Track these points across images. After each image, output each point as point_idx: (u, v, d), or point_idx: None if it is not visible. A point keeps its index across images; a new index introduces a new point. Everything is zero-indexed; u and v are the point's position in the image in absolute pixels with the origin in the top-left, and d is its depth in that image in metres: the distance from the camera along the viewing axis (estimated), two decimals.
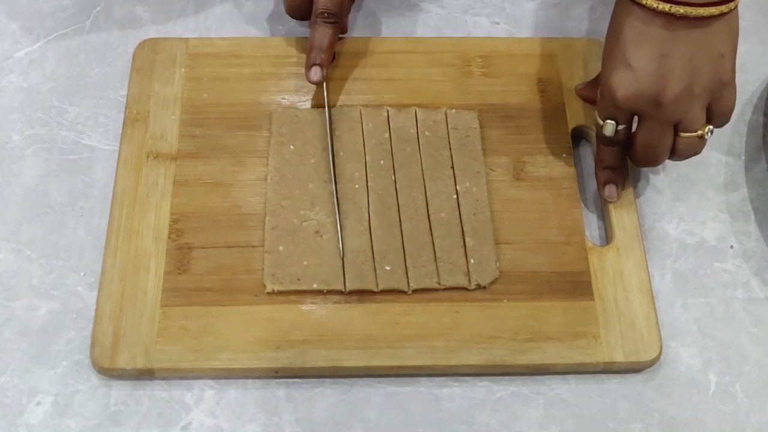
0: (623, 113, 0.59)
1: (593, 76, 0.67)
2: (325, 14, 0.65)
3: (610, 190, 0.63)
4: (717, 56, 0.56)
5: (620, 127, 0.60)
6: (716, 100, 0.58)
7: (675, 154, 0.60)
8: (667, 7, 0.55)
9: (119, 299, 0.58)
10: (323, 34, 0.65)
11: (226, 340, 0.57)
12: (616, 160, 0.63)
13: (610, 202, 0.63)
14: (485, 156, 0.65)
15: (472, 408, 0.57)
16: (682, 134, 0.58)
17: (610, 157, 0.63)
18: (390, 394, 0.58)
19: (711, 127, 0.58)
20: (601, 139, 0.62)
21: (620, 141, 0.61)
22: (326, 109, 0.66)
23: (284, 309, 0.59)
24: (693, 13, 0.55)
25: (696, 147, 0.60)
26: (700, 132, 0.58)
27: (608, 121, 0.60)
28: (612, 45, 0.59)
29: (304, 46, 0.69)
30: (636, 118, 0.59)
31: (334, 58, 0.68)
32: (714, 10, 0.55)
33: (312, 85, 0.67)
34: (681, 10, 0.55)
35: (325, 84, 0.66)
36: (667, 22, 0.56)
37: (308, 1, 0.66)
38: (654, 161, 0.61)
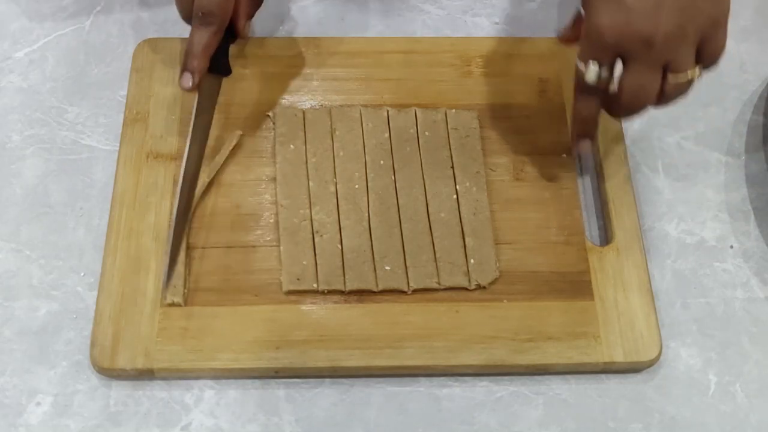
0: (609, 54, 0.55)
1: None
2: (200, 14, 0.59)
3: (584, 144, 0.61)
4: None
5: (603, 71, 0.56)
6: (707, 40, 0.54)
7: (662, 97, 0.56)
8: None
9: (119, 299, 0.58)
10: (199, 37, 0.59)
11: (226, 341, 0.57)
12: (593, 113, 0.59)
13: (583, 155, 0.60)
14: (485, 156, 0.65)
15: (472, 408, 0.57)
16: (671, 75, 0.55)
17: (587, 108, 0.59)
18: (390, 395, 0.58)
19: (701, 67, 0.55)
20: (581, 88, 0.58)
21: (599, 90, 0.57)
22: (192, 118, 0.60)
23: (284, 309, 0.59)
24: None
25: (684, 89, 0.56)
26: (690, 73, 0.55)
27: (591, 64, 0.56)
28: None
29: (306, 45, 0.70)
30: (619, 66, 0.56)
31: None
32: None
33: (311, 85, 0.67)
34: None
35: (198, 92, 0.61)
36: None
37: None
38: (640, 107, 0.57)
